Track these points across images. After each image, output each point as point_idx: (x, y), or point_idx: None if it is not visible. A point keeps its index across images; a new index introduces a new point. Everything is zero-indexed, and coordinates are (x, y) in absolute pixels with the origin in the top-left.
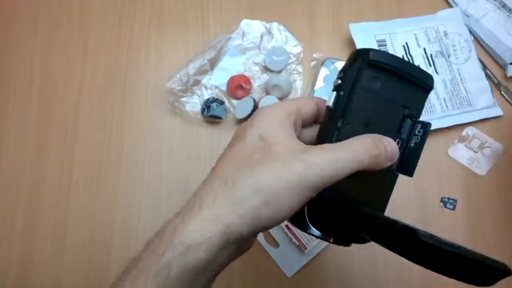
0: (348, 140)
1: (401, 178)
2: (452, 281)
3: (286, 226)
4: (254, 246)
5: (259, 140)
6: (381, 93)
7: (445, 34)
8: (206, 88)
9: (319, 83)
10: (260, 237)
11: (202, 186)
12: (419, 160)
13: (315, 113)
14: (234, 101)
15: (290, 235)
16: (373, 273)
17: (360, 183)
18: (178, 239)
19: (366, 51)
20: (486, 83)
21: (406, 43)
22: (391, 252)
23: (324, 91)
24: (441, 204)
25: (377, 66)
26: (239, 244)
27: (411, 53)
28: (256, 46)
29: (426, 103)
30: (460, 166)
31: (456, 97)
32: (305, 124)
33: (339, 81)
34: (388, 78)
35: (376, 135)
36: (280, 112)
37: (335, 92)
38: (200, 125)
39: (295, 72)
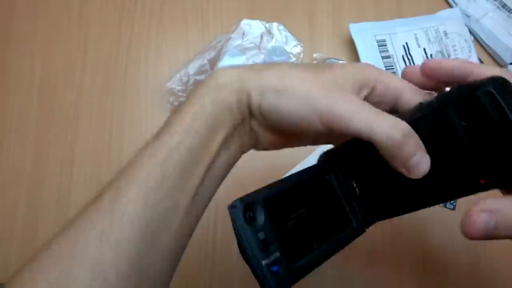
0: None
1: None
2: (452, 280)
3: None
4: None
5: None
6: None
7: (445, 34)
8: None
9: None
10: None
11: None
12: None
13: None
14: None
15: None
16: (373, 273)
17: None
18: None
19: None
20: None
21: (406, 43)
22: (391, 252)
23: None
24: (441, 204)
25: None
26: (237, 122)
27: (411, 53)
28: (256, 46)
29: None
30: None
31: None
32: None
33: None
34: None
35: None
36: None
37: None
38: None
39: None
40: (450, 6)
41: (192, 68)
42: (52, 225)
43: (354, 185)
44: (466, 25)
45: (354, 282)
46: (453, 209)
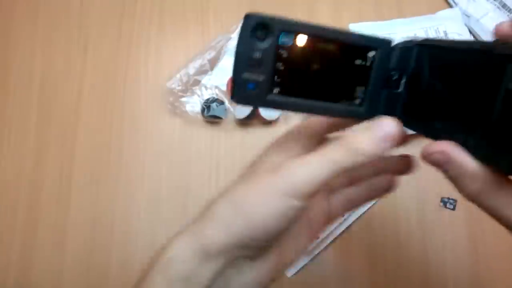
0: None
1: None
2: (452, 280)
3: None
4: None
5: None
6: None
7: (445, 34)
8: (206, 88)
9: None
10: None
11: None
12: (419, 160)
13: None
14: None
15: None
16: (372, 273)
17: None
18: (164, 255)
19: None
20: None
21: None
22: (391, 252)
23: None
24: (441, 204)
25: None
26: (228, 259)
27: None
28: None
29: None
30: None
31: None
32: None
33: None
34: None
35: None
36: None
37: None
38: (200, 125)
39: None
40: (450, 6)
41: (192, 68)
42: (52, 225)
43: (403, 81)
44: (466, 25)
45: (354, 282)
46: (453, 209)
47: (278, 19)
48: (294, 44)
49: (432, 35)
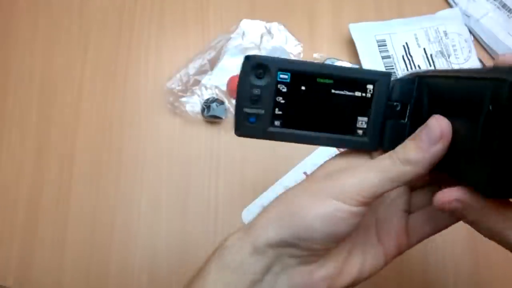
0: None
1: None
2: (452, 280)
3: None
4: None
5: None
6: None
7: (445, 34)
8: (206, 88)
9: None
10: None
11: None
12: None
13: None
14: (234, 101)
15: None
16: None
17: None
18: (221, 245)
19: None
20: None
21: (406, 43)
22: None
23: None
24: None
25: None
26: (276, 255)
27: (411, 53)
28: (256, 46)
29: None
30: None
31: None
32: None
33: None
34: None
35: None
36: None
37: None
38: (200, 125)
39: None
40: (450, 6)
41: (192, 68)
42: (52, 225)
43: (408, 112)
44: (466, 25)
45: None
46: None
47: (276, 60)
48: (292, 81)
49: (432, 35)
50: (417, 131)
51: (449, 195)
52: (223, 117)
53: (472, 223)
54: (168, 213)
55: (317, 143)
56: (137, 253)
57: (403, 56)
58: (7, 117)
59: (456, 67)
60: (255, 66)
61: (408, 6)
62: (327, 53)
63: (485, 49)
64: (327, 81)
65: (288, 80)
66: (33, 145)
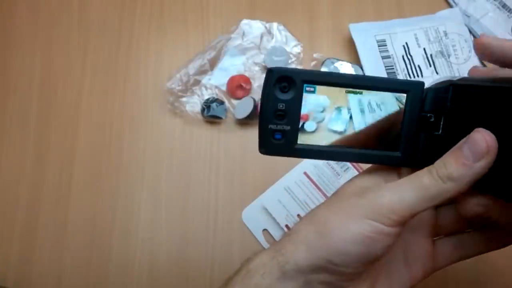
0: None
1: None
2: (452, 280)
3: (286, 225)
4: (254, 246)
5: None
6: None
7: (445, 34)
8: (206, 88)
9: None
10: (260, 237)
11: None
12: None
13: None
14: (234, 101)
15: None
16: None
17: None
18: (246, 266)
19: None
20: None
21: (406, 43)
22: None
23: None
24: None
25: None
26: (306, 281)
27: (411, 53)
28: (256, 46)
29: None
30: None
31: None
32: None
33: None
34: None
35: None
36: None
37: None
38: (200, 125)
39: None
40: (450, 6)
41: (192, 68)
42: (52, 225)
43: (442, 123)
44: (466, 25)
45: None
46: None
47: (301, 72)
48: (327, 92)
49: (432, 35)
50: (458, 145)
51: (473, 202)
52: (223, 117)
53: (494, 224)
54: (168, 213)
55: (346, 160)
56: (137, 253)
57: (403, 56)
58: (7, 117)
59: (456, 67)
60: (279, 79)
61: (408, 6)
62: (327, 53)
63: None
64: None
65: (315, 93)
66: (33, 145)
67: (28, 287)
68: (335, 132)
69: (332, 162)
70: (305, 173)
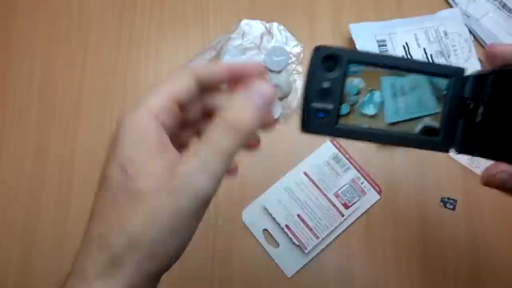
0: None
1: (400, 177)
2: (452, 280)
3: (286, 226)
4: (254, 246)
5: (120, 172)
6: None
7: (445, 34)
8: None
9: None
10: (260, 237)
11: (84, 251)
12: (419, 160)
13: (195, 88)
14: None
15: (290, 235)
16: (373, 273)
17: None
18: None
19: None
20: None
21: (406, 43)
22: (392, 252)
23: None
24: (441, 204)
25: None
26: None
27: (411, 53)
28: (256, 46)
29: None
30: (460, 166)
31: None
32: (189, 103)
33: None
34: None
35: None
36: (142, 117)
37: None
38: None
39: (295, 72)
40: (450, 6)
41: None
42: (52, 225)
43: (480, 110)
44: (466, 25)
45: (354, 282)
46: (453, 209)
47: (347, 51)
48: (362, 74)
49: (432, 35)
50: (245, 92)
51: (498, 168)
52: None
53: None
54: None
55: (385, 142)
56: None
57: (403, 56)
58: (7, 117)
59: None
60: (325, 57)
61: (408, 6)
62: None
63: (485, 49)
64: (400, 75)
65: (359, 73)
66: (33, 145)
67: (28, 287)
68: (366, 115)
69: (332, 162)
70: (305, 173)
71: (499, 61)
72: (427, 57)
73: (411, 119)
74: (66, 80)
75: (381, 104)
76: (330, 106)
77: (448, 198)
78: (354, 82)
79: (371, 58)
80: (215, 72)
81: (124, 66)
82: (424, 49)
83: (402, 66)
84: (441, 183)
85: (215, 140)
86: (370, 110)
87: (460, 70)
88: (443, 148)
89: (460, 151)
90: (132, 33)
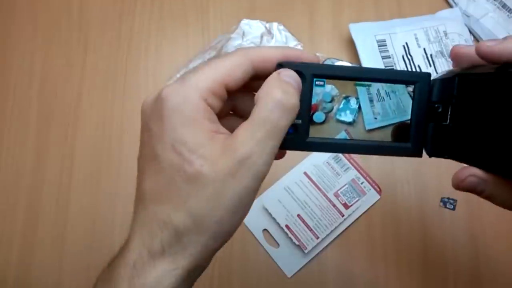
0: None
1: (400, 177)
2: (452, 280)
3: (286, 225)
4: (254, 246)
5: (173, 154)
6: None
7: (445, 34)
8: None
9: None
10: (260, 237)
11: (139, 231)
12: (419, 160)
13: (249, 74)
14: None
15: (290, 235)
16: (373, 273)
17: None
18: None
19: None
20: None
21: (406, 43)
22: (392, 252)
23: None
24: (441, 204)
25: None
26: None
27: (411, 53)
28: (256, 46)
29: None
30: (460, 166)
31: None
32: (233, 90)
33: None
34: None
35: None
36: (191, 97)
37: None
38: None
39: None
40: (450, 6)
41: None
42: (52, 225)
43: (449, 113)
44: (466, 25)
45: (354, 282)
46: (453, 209)
47: (310, 65)
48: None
49: (432, 35)
50: (277, 75)
51: (467, 172)
52: None
53: (488, 198)
54: None
55: (356, 152)
56: None
57: (403, 56)
58: (7, 117)
59: None
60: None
61: (408, 6)
62: (327, 53)
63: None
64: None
65: (324, 87)
66: (33, 145)
67: (28, 286)
68: (343, 122)
69: (332, 162)
70: (305, 173)
71: (465, 62)
72: (427, 57)
73: (391, 124)
74: (66, 80)
75: (359, 111)
76: (298, 121)
77: (448, 198)
78: (327, 89)
79: (335, 71)
80: (271, 57)
81: (124, 66)
82: (424, 49)
83: (367, 77)
84: (441, 183)
85: (270, 119)
86: (347, 117)
87: (426, 75)
88: (414, 153)
89: (431, 154)
90: (132, 33)
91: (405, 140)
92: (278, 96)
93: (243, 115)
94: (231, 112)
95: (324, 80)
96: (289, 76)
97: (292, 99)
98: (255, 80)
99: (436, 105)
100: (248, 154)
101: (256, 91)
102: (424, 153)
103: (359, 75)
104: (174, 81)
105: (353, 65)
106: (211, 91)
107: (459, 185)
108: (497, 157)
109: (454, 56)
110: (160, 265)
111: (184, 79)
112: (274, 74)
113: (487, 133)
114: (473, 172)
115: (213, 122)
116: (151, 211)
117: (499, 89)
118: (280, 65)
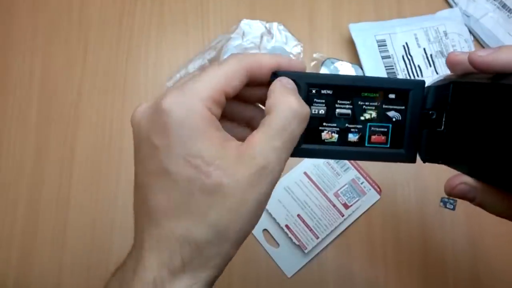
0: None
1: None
2: (451, 280)
3: (286, 225)
4: (254, 246)
5: (189, 168)
6: None
7: (445, 34)
8: None
9: None
10: (260, 237)
11: (158, 244)
12: (419, 160)
13: (244, 81)
14: None
15: (290, 235)
16: (373, 273)
17: None
18: None
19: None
20: None
21: (406, 43)
22: (392, 252)
23: None
24: (441, 204)
25: None
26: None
27: (411, 53)
28: (256, 46)
29: None
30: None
31: None
32: (231, 97)
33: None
34: None
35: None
36: (197, 107)
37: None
38: None
39: None
40: (450, 6)
41: (192, 68)
42: (52, 225)
43: (444, 120)
44: (466, 25)
45: (354, 282)
46: (453, 209)
47: (305, 75)
48: (324, 94)
49: (432, 35)
50: (280, 84)
51: (458, 180)
52: None
53: (479, 205)
54: None
55: (351, 158)
56: None
57: (403, 56)
58: (7, 117)
59: None
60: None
61: (408, 6)
62: (327, 53)
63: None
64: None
65: (318, 96)
66: (33, 145)
67: (28, 287)
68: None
69: (332, 162)
70: (305, 173)
71: (460, 69)
72: (427, 57)
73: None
74: (66, 80)
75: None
76: None
77: (448, 198)
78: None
79: (329, 80)
80: (265, 64)
81: (124, 66)
82: (424, 49)
83: (361, 85)
84: (441, 183)
85: (287, 128)
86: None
87: (420, 83)
88: (408, 159)
89: (425, 160)
90: (132, 33)
91: (399, 146)
92: (295, 106)
93: (233, 119)
94: None
95: (318, 88)
96: (291, 84)
97: (307, 108)
98: (244, 86)
99: (430, 112)
100: (267, 163)
101: (243, 97)
102: (418, 158)
103: (353, 84)
104: (171, 90)
105: (353, 65)
106: (213, 100)
107: (450, 192)
108: (486, 166)
109: (450, 63)
110: (181, 282)
111: (183, 89)
112: (278, 83)
113: (478, 141)
114: (464, 180)
115: (219, 130)
116: (166, 228)
117: (491, 100)
118: (275, 74)
